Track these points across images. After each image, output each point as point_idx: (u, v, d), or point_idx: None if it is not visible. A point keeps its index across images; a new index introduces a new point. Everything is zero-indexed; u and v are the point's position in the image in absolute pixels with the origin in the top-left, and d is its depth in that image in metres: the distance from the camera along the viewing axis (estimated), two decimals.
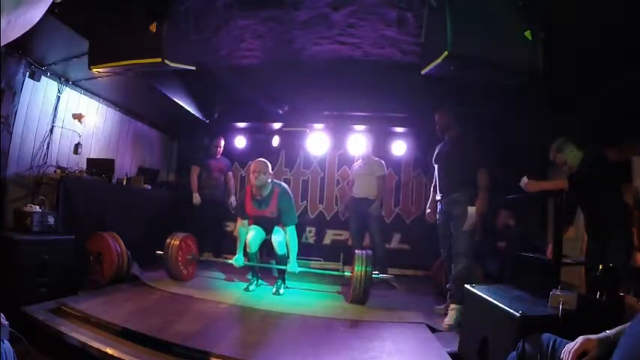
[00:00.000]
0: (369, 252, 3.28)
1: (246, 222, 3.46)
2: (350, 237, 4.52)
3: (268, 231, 3.46)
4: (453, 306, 2.75)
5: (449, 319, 2.70)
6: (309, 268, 3.89)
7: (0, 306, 1.52)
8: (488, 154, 2.92)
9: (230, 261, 3.40)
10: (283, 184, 3.50)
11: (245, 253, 3.42)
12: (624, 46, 2.34)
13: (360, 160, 4.41)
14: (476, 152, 2.88)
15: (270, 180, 3.30)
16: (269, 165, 3.31)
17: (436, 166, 3.13)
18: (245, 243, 3.39)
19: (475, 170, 2.83)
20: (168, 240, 3.47)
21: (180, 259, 3.48)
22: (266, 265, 3.60)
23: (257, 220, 3.46)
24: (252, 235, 3.38)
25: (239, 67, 3.66)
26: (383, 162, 4.32)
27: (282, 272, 3.47)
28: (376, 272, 3.25)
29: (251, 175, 3.28)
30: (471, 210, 2.74)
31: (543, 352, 1.26)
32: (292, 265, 3.27)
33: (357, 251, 3.29)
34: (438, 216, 3.10)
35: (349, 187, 4.41)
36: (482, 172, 2.82)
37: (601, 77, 2.73)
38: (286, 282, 3.52)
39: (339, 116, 4.79)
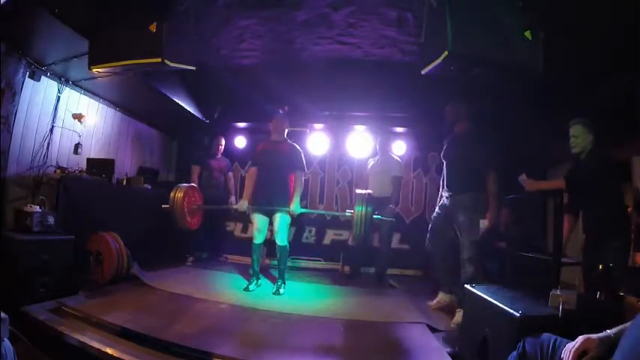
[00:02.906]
0: (370, 192, 3.21)
1: (255, 170, 3.51)
2: (351, 237, 4.47)
3: (272, 199, 3.40)
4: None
5: (458, 318, 2.63)
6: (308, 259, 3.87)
7: (0, 306, 1.52)
8: (496, 155, 2.88)
9: (235, 206, 3.50)
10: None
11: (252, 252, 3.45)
12: (624, 46, 2.34)
13: (378, 156, 4.28)
14: (484, 153, 2.83)
15: (285, 134, 3.55)
16: (286, 120, 3.58)
17: (444, 162, 3.08)
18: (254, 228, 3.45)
19: (483, 171, 2.79)
20: (172, 193, 3.46)
21: (185, 207, 3.50)
22: (268, 262, 3.61)
23: (266, 158, 3.45)
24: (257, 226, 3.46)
25: (239, 67, 3.66)
26: (401, 161, 4.13)
27: (282, 272, 3.48)
28: (377, 214, 3.15)
29: (272, 130, 3.52)
30: (483, 223, 2.73)
31: (543, 352, 1.26)
32: (295, 206, 3.33)
33: (357, 191, 3.27)
34: (437, 207, 3.06)
35: (363, 187, 4.26)
36: (491, 177, 2.76)
37: (601, 77, 2.73)
38: (286, 281, 3.52)
39: (340, 116, 4.78)
